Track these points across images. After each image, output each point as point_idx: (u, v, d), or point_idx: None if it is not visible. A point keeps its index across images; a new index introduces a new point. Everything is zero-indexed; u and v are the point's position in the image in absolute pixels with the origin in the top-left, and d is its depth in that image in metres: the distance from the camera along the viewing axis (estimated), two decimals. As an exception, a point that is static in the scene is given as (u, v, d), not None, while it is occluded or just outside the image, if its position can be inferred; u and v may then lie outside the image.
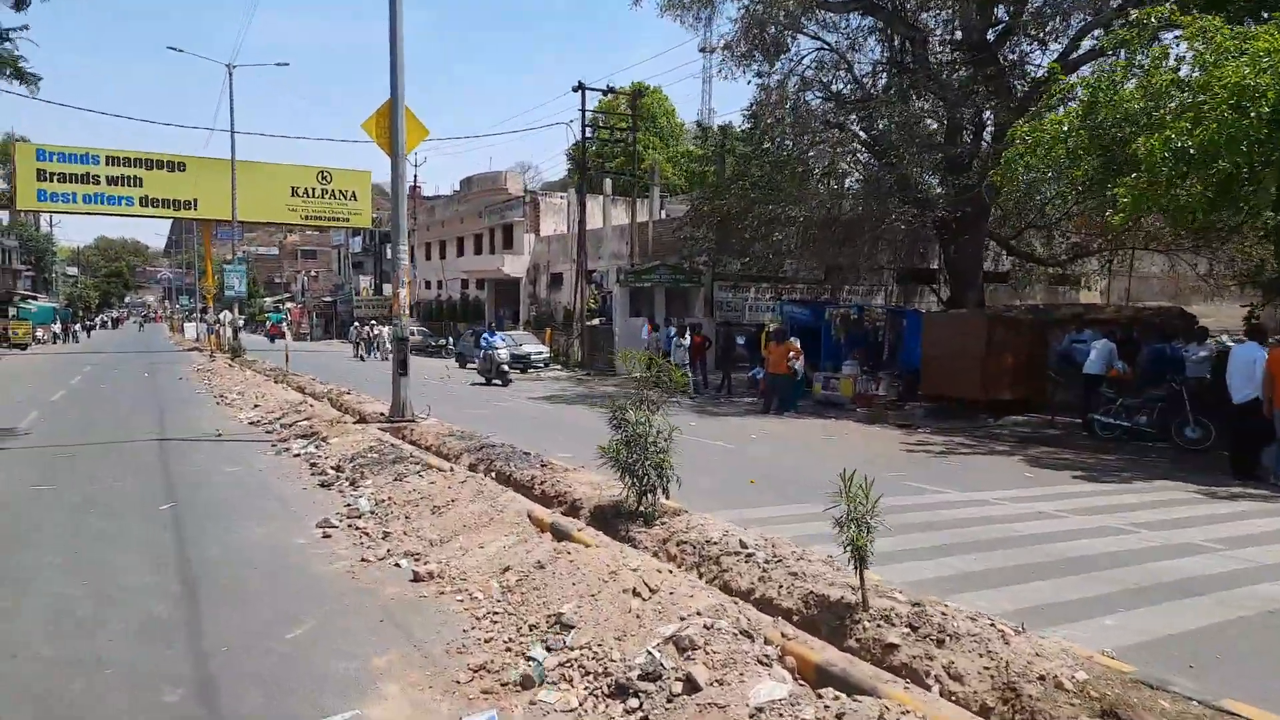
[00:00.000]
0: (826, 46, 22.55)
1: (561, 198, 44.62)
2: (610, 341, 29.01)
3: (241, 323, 42.89)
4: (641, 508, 6.15)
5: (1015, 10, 19.70)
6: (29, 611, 4.91)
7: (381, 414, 12.18)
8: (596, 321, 31.47)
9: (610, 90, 32.42)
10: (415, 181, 54.01)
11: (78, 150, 40.63)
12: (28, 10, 9.65)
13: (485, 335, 25.85)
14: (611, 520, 6.18)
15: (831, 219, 20.67)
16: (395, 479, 8.01)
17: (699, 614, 4.00)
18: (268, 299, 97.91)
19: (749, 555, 4.99)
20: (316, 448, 10.31)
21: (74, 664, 4.22)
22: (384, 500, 7.28)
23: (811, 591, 4.39)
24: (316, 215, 46.60)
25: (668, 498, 6.18)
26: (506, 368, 23.83)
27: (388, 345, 32.57)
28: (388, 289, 64.32)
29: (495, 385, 23.14)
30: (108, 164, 41.05)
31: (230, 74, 33.74)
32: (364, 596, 5.20)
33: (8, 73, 9.87)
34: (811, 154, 22.49)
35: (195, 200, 42.88)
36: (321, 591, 5.31)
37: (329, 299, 77.40)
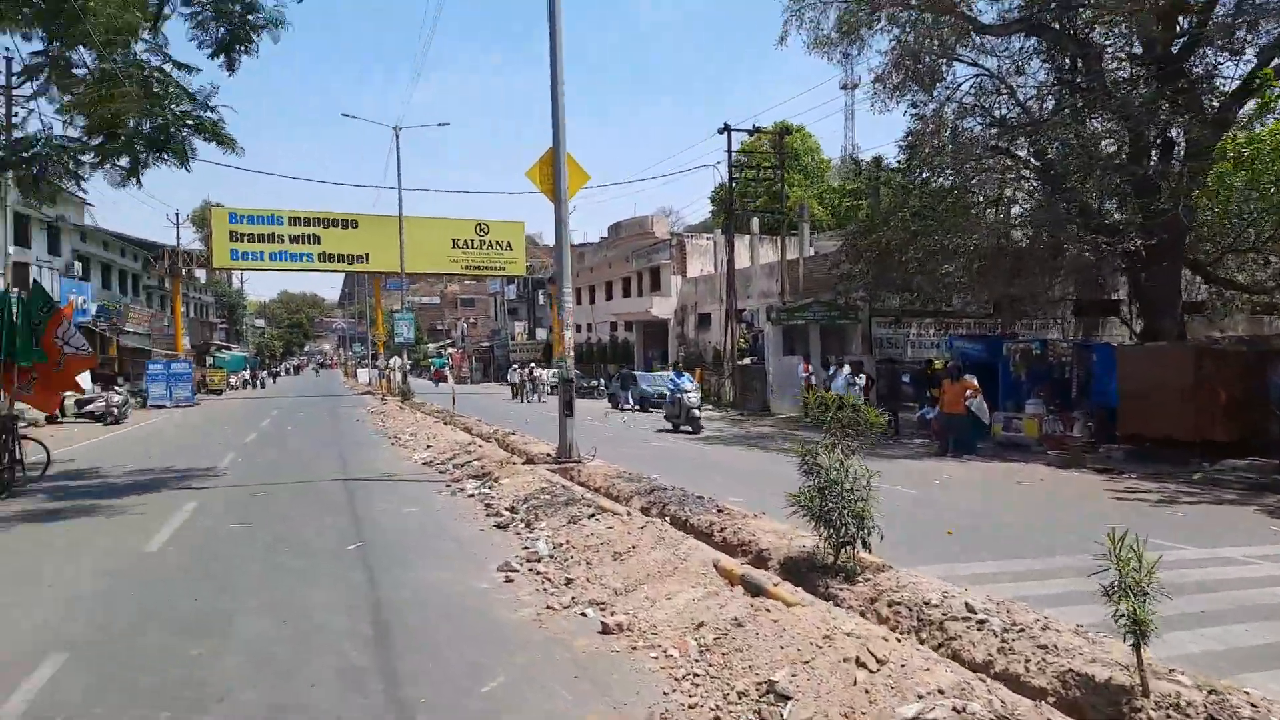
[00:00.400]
0: (986, 72, 21.50)
1: (707, 239, 44.71)
2: (763, 381, 28.44)
3: (409, 367, 45.45)
4: (839, 561, 5.64)
5: (1200, 20, 18.03)
6: (233, 653, 4.98)
7: (548, 455, 12.21)
8: (747, 361, 30.97)
9: (756, 130, 32.18)
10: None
11: (264, 212, 44.54)
12: (236, 73, 10.27)
13: (672, 377, 23.33)
14: (806, 574, 5.70)
15: (1000, 250, 19.45)
16: (569, 521, 7.85)
17: (941, 692, 3.47)
18: (430, 345, 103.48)
19: (980, 621, 4.39)
20: (489, 488, 10.39)
21: (278, 710, 4.18)
22: (562, 544, 7.10)
23: (1070, 669, 3.75)
24: (475, 265, 48.86)
25: (868, 551, 5.65)
26: (698, 413, 21.34)
27: (545, 387, 33.15)
28: (541, 333, 66.58)
29: (684, 432, 20.78)
30: (290, 224, 44.76)
31: (397, 136, 36.06)
32: (554, 648, 4.96)
33: (207, 138, 10.52)
34: (974, 182, 21.39)
35: (366, 254, 45.99)
36: (510, 640, 5.12)
37: (486, 344, 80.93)
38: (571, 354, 11.50)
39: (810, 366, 23.63)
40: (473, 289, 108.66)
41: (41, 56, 10.75)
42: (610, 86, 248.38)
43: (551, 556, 6.84)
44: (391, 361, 39.04)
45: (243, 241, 43.72)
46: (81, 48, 10.35)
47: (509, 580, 6.39)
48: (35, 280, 12.00)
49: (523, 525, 8.24)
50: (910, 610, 4.84)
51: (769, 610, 4.79)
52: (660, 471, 10.90)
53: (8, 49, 10.12)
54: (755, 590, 5.30)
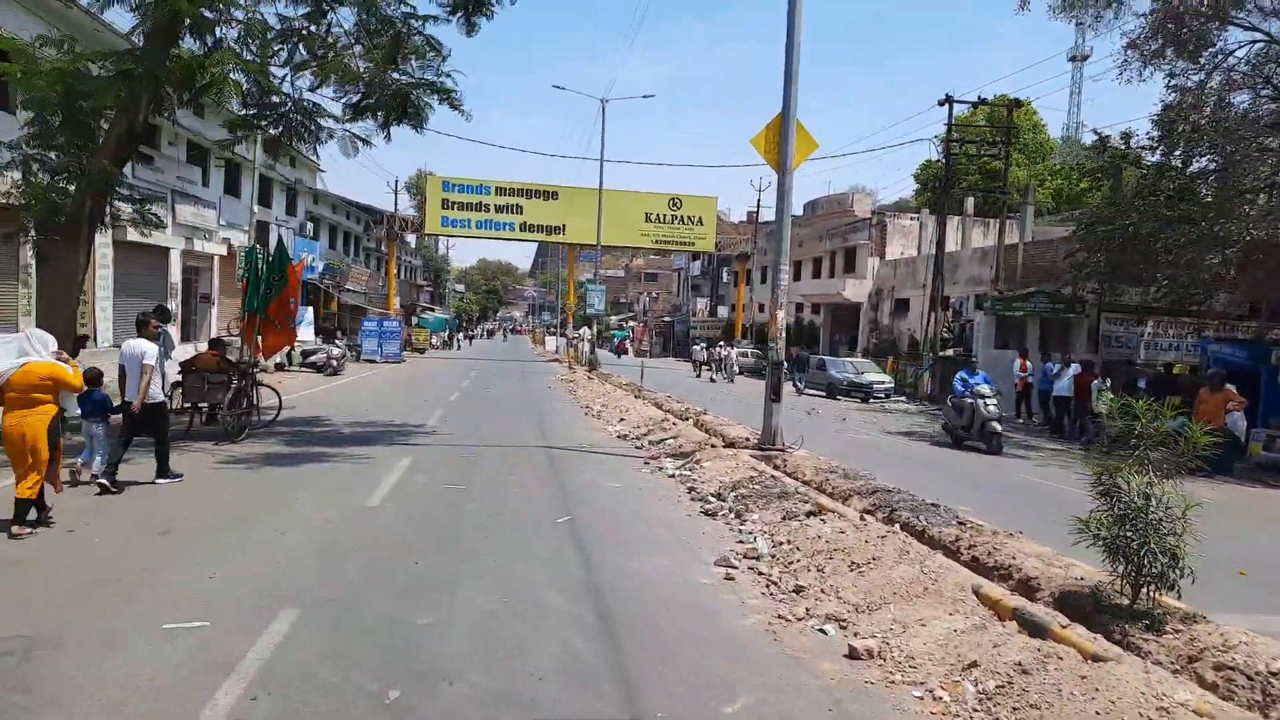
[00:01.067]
0: (1266, 38, 18.51)
1: (911, 219, 42.26)
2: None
3: (595, 338, 46.57)
4: (1138, 604, 4.70)
5: None
6: (457, 628, 4.81)
7: (746, 439, 11.66)
8: (950, 352, 28.93)
9: (981, 102, 29.63)
10: (758, 206, 54.56)
11: (473, 182, 46.66)
12: (476, 34, 10.30)
13: (962, 375, 16.75)
14: (1091, 614, 4.80)
15: (1274, 243, 16.73)
16: (784, 517, 7.26)
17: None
18: (613, 317, 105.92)
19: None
20: (691, 470, 9.99)
21: (508, 700, 3.91)
22: (782, 543, 6.53)
23: None
24: (666, 240, 48.95)
25: (1178, 595, 4.66)
26: (998, 426, 15.41)
27: (735, 367, 32.57)
28: (722, 311, 66.08)
29: (971, 449, 15.40)
30: (496, 194, 46.69)
31: (604, 107, 36.47)
32: (798, 670, 4.40)
33: (441, 100, 10.62)
34: (1243, 165, 18.57)
35: (563, 226, 47.23)
36: (746, 653, 4.62)
37: (668, 319, 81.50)
38: (783, 335, 10.85)
39: (1028, 363, 21.53)
40: (657, 264, 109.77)
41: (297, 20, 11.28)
42: (811, 57, 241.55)
43: (773, 556, 6.28)
44: (580, 331, 39.90)
45: (453, 209, 46.12)
46: (340, 7, 10.77)
47: (729, 579, 5.90)
48: (280, 238, 12.70)
49: (732, 515, 7.74)
50: (1251, 681, 3.87)
51: (1061, 659, 3.98)
52: (868, 466, 10.08)
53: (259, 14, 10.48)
54: (1036, 630, 4.48)
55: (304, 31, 11.35)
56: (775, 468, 9.78)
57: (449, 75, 11.07)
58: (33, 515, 6.55)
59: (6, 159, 10.59)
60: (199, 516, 7.18)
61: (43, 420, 6.55)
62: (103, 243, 20.82)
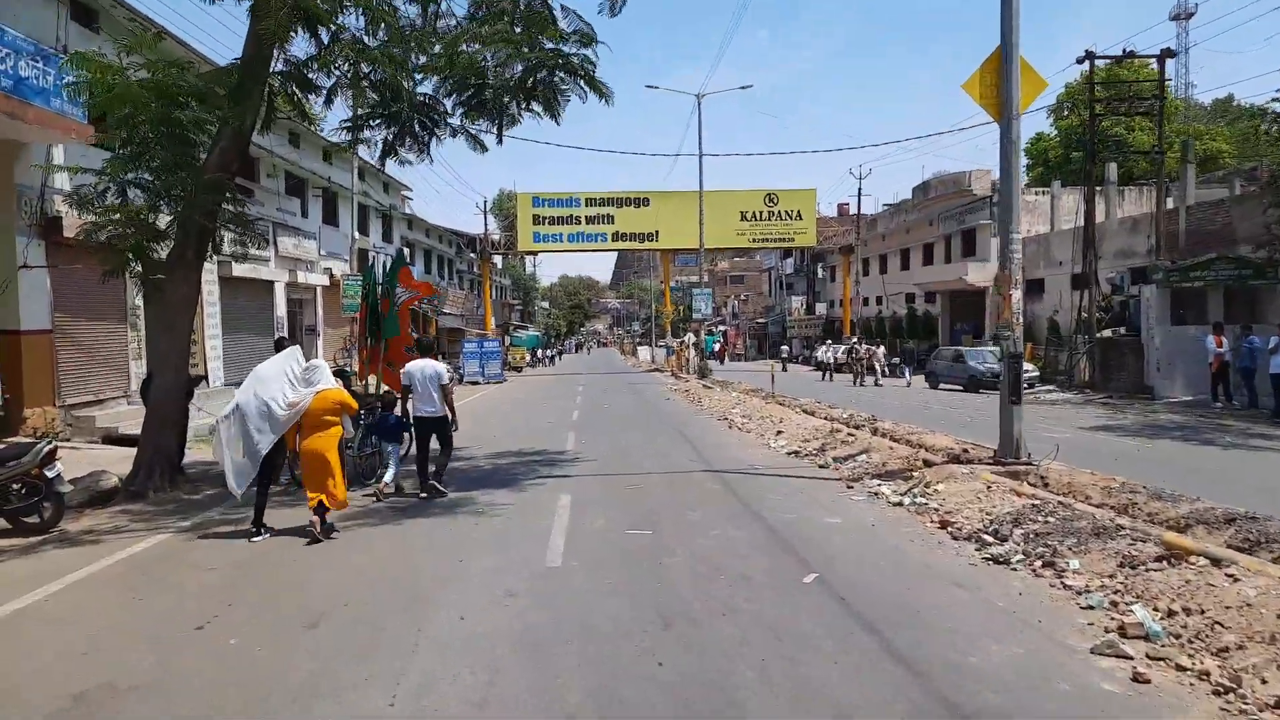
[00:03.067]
0: None
1: (1037, 194, 38.93)
2: (1136, 356, 23.42)
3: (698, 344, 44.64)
4: None
5: None
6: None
7: (966, 451, 9.58)
8: (1108, 332, 25.89)
9: (1128, 54, 26.53)
10: (859, 195, 51.85)
11: (563, 195, 45.62)
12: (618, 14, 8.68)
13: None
14: None
15: None
16: (1124, 564, 5.24)
17: None
18: (695, 323, 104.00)
19: None
20: (923, 497, 7.99)
21: None
22: (1174, 612, 4.50)
23: None
24: (764, 237, 46.89)
25: None
26: None
27: (883, 368, 30.18)
28: (820, 308, 63.34)
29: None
30: (586, 205, 45.53)
31: (699, 102, 34.63)
32: None
33: (580, 80, 8.94)
34: None
35: (656, 232, 45.68)
36: None
37: (761, 320, 79.05)
38: (1019, 320, 8.76)
39: (1224, 339, 18.59)
40: (743, 265, 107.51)
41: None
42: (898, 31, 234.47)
43: (1177, 638, 4.26)
44: (686, 338, 38.06)
45: (544, 224, 45.16)
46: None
47: (1140, 679, 3.92)
48: (400, 249, 11.36)
49: (1038, 563, 5.73)
50: None
51: None
52: (1118, 474, 7.94)
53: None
54: None
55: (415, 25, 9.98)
56: (1045, 488, 7.70)
57: (588, 44, 9.39)
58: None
59: (102, 187, 9.47)
60: (350, 593, 5.64)
61: (333, 440, 7.54)
62: (208, 280, 20.16)
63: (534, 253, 52.37)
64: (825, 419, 14.38)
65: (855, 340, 34.62)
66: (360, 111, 10.17)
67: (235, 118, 9.05)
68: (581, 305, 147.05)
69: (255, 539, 7.29)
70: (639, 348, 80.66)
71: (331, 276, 28.29)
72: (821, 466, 10.63)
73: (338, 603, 5.47)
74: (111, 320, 16.43)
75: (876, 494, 8.60)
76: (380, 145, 10.44)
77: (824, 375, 34.24)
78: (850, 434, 12.09)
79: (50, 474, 8.00)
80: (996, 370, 26.98)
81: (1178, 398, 21.06)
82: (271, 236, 23.62)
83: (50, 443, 8.12)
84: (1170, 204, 26.98)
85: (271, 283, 23.95)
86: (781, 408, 16.70)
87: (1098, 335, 25.77)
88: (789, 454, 11.90)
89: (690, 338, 37.63)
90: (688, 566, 6.16)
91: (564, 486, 9.71)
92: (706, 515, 7.95)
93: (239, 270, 21.14)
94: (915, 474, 8.83)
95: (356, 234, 28.76)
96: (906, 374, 32.33)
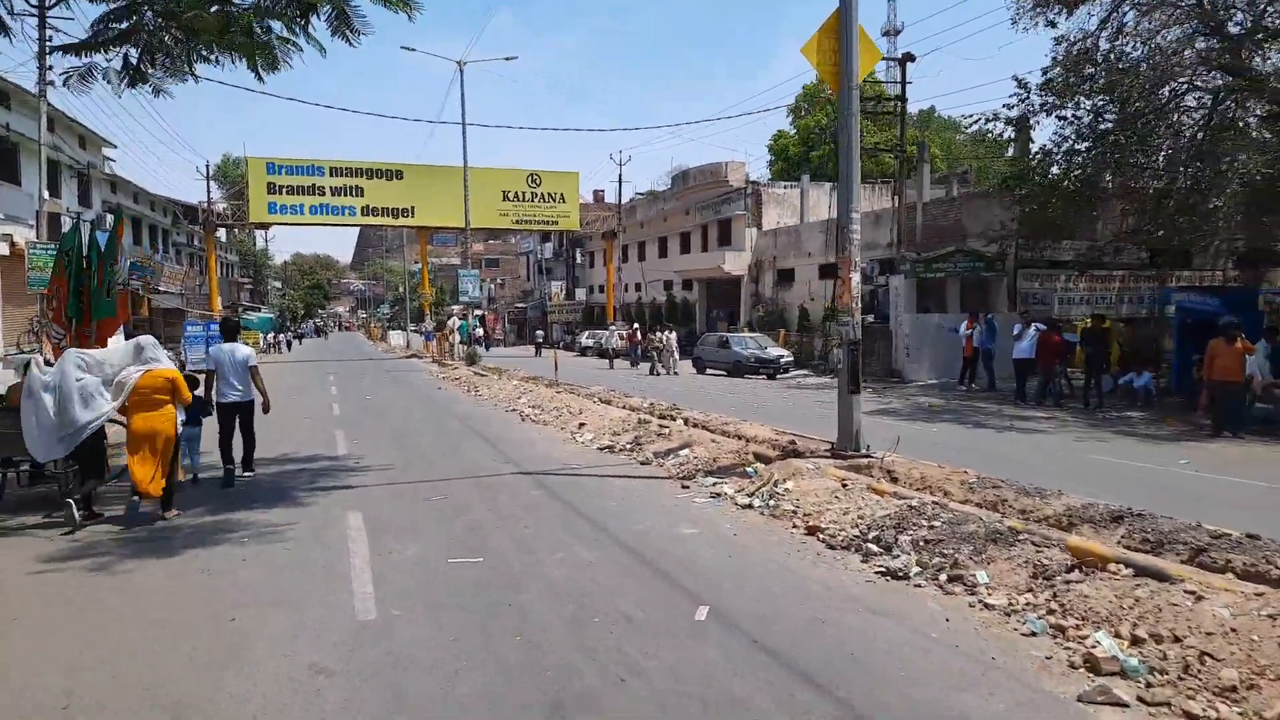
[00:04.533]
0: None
1: (786, 188, 41.21)
2: (885, 342, 25.23)
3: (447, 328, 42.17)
4: None
5: None
6: None
7: (791, 443, 9.15)
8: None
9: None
10: (620, 181, 52.13)
11: (304, 162, 41.25)
12: None
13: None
14: None
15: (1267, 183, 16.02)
16: (1036, 575, 4.82)
17: None
18: (454, 306, 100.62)
19: None
20: (774, 499, 7.33)
21: None
22: (1137, 639, 4.01)
23: None
24: (527, 219, 45.58)
25: None
26: None
27: (675, 355, 29.43)
28: (580, 293, 63.40)
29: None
30: (331, 175, 41.46)
31: (461, 70, 32.54)
32: None
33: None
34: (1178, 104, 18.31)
35: (412, 208, 42.71)
36: None
37: (520, 305, 77.77)
38: (859, 305, 8.38)
39: (974, 324, 20.34)
40: (498, 248, 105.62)
41: None
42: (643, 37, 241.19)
43: (1163, 674, 3.75)
44: (451, 322, 35.93)
45: (281, 194, 40.46)
46: None
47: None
48: (117, 207, 8.90)
49: (944, 578, 5.18)
50: None
51: None
52: (938, 460, 7.93)
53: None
54: None
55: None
56: (895, 483, 7.30)
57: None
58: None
59: None
60: (72, 690, 3.79)
61: (169, 421, 7.32)
62: None
63: (268, 225, 47.09)
64: (626, 409, 13.59)
65: (661, 328, 33.97)
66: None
67: None
68: (321, 286, 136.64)
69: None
70: (390, 332, 76.05)
71: (12, 245, 23.04)
72: (644, 463, 9.75)
73: (52, 686, 3.62)
74: None
75: (719, 495, 7.84)
76: (123, 65, 7.85)
77: (611, 362, 33.48)
78: (662, 425, 11.35)
79: None
80: (760, 356, 28.21)
81: (923, 381, 22.91)
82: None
83: None
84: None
85: (-78, 248, 18.86)
86: (573, 397, 15.71)
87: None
88: (601, 449, 10.91)
89: (455, 322, 35.56)
90: (549, 606, 4.93)
91: (350, 501, 7.98)
92: (541, 531, 6.73)
93: None
94: (753, 469, 8.21)
95: (46, 194, 23.63)
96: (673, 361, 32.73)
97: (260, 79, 7.94)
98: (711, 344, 30.17)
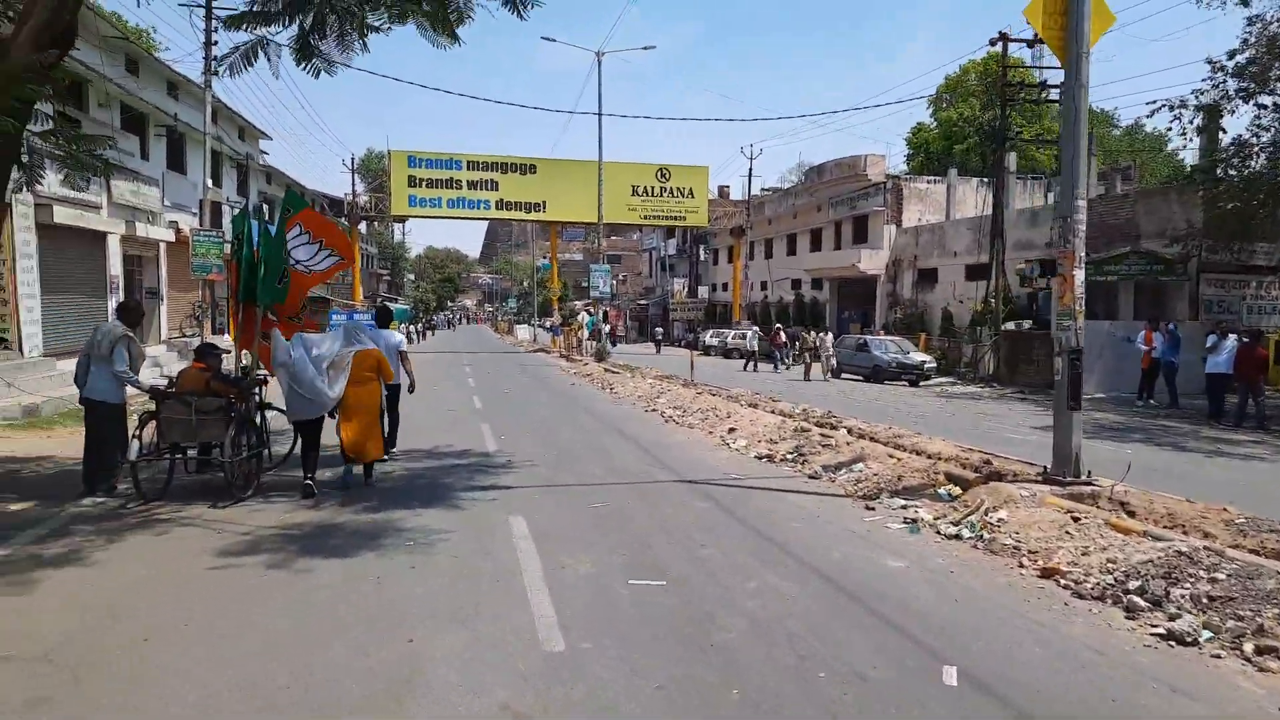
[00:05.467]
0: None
1: (930, 182, 39.15)
2: (1046, 350, 23.30)
3: (560, 325, 42.25)
4: None
5: None
6: None
7: (988, 462, 8.13)
8: (1012, 325, 25.83)
9: (1040, 39, 26.34)
10: (749, 175, 51.08)
11: (443, 156, 42.24)
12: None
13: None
14: None
15: None
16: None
17: None
18: (577, 303, 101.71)
19: None
20: (983, 528, 6.41)
21: None
22: None
23: None
24: (655, 214, 45.19)
25: None
26: None
27: (832, 359, 27.43)
28: (702, 291, 62.67)
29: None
30: (468, 169, 42.31)
31: (599, 61, 32.41)
32: None
33: None
34: None
35: (544, 203, 43.09)
36: None
37: (642, 301, 77.76)
38: (1081, 307, 7.32)
39: (1154, 336, 18.40)
40: (619, 244, 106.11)
41: None
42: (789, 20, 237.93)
43: None
44: (580, 317, 35.94)
45: (420, 187, 41.62)
46: None
47: None
48: (289, 187, 8.79)
49: (1245, 644, 4.18)
50: None
51: None
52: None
53: None
54: None
55: None
56: (1133, 518, 6.23)
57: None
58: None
59: None
60: (243, 693, 3.40)
61: (376, 395, 8.22)
62: (22, 226, 16.38)
63: (407, 218, 48.54)
64: (778, 414, 12.79)
65: (778, 328, 32.49)
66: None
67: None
68: (451, 279, 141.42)
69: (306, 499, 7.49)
70: (516, 326, 77.57)
71: (178, 231, 24.36)
72: (812, 477, 8.95)
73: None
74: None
75: (915, 521, 6.96)
76: (296, 37, 7.72)
77: (746, 364, 32.03)
78: (825, 435, 10.49)
79: None
80: (901, 361, 26.67)
81: (1091, 394, 20.99)
82: (104, 179, 19.74)
83: None
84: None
85: (104, 234, 20.09)
86: (716, 399, 15.01)
87: (1002, 328, 25.66)
88: (759, 458, 10.17)
89: (583, 317, 35.53)
90: (760, 653, 4.24)
91: (510, 504, 7.56)
92: (723, 552, 6.06)
93: (62, 217, 17.44)
94: (946, 492, 7.29)
95: (209, 184, 24.88)
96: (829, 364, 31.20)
97: (453, 36, 7.66)
98: (849, 347, 28.82)
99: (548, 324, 62.23)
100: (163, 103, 24.63)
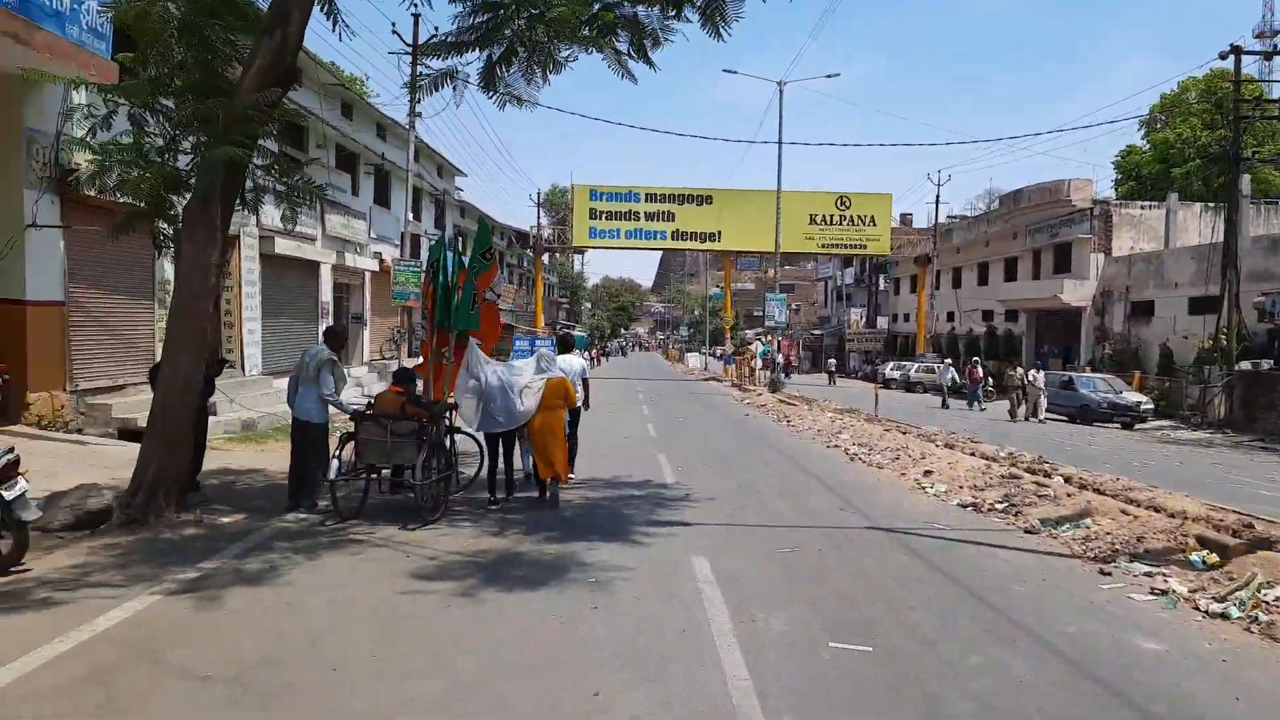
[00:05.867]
0: None
1: (1145, 208, 35.61)
2: (1296, 395, 20.31)
3: (732, 354, 41.58)
4: None
5: None
6: None
7: (1241, 524, 6.88)
8: (1248, 364, 22.76)
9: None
10: (936, 202, 48.78)
11: (622, 189, 43.21)
12: None
13: None
14: None
15: None
16: None
17: None
18: (748, 331, 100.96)
19: None
20: (1256, 606, 5.33)
21: None
22: None
23: None
24: (833, 243, 44.04)
25: None
26: None
27: (1043, 398, 24.89)
28: (881, 322, 60.23)
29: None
30: (646, 200, 43.04)
31: (780, 90, 31.96)
32: None
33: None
34: None
35: (719, 233, 43.08)
36: None
37: (816, 331, 75.92)
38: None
39: None
40: (793, 273, 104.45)
41: None
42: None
43: None
44: (753, 346, 35.39)
45: (600, 219, 42.76)
46: None
47: None
48: (481, 220, 9.03)
49: None
50: None
51: None
52: None
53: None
54: None
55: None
56: None
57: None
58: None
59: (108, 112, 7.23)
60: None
61: (561, 420, 8.58)
62: (249, 256, 18.03)
63: (585, 249, 50.02)
64: (979, 456, 11.69)
65: (975, 361, 29.81)
66: (456, 25, 7.60)
67: (274, 22, 6.69)
68: (625, 308, 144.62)
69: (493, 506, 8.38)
70: (686, 354, 77.93)
71: (381, 261, 26.16)
72: (1029, 532, 7.97)
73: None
74: (137, 295, 14.26)
75: (1166, 592, 5.93)
76: (484, 67, 7.92)
77: (943, 400, 29.78)
78: (1039, 483, 9.40)
79: (8, 494, 5.69)
80: (1114, 401, 24.12)
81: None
82: (319, 213, 21.48)
83: (8, 453, 5.80)
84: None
85: (317, 264, 21.82)
86: (906, 437, 14.01)
87: (1237, 367, 22.65)
88: (963, 506, 9.23)
89: (757, 346, 34.93)
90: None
91: (692, 542, 7.18)
92: (937, 617, 5.37)
93: (282, 247, 19.04)
94: (1199, 559, 6.18)
95: (410, 217, 26.59)
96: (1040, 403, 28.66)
97: (647, 60, 7.58)
98: (1053, 384, 26.46)
99: (718, 352, 62.02)
100: (372, 143, 26.64)
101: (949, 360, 32.88)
